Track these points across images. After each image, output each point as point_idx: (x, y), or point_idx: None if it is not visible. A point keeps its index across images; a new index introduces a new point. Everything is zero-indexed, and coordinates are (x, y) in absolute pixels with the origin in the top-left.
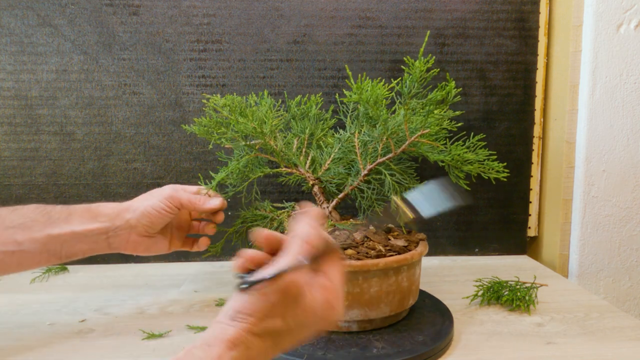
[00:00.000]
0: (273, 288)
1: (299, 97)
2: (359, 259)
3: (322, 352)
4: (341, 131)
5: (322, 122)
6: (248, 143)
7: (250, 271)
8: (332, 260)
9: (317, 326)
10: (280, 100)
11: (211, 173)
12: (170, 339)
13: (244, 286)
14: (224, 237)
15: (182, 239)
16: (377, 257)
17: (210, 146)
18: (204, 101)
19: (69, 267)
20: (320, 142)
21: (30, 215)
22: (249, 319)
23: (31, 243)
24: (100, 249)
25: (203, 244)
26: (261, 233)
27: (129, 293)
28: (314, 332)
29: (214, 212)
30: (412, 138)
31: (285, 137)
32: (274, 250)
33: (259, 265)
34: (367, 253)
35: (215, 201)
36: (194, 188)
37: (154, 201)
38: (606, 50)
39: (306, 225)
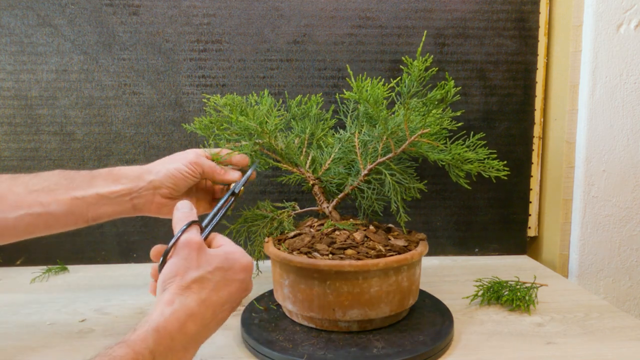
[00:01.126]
0: (177, 250)
1: (300, 96)
2: (359, 258)
3: (322, 352)
4: (341, 131)
5: (323, 122)
6: (248, 143)
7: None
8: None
9: (233, 271)
10: (280, 100)
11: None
12: None
13: (160, 263)
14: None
15: (208, 202)
16: (377, 257)
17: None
18: (205, 101)
19: (69, 267)
20: (321, 142)
21: (53, 179)
22: (174, 278)
23: (57, 205)
24: (125, 212)
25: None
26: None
27: (129, 293)
28: (234, 277)
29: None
30: (412, 138)
31: (286, 136)
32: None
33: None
34: (367, 253)
35: (235, 174)
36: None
37: (178, 164)
38: (606, 50)
39: (175, 213)
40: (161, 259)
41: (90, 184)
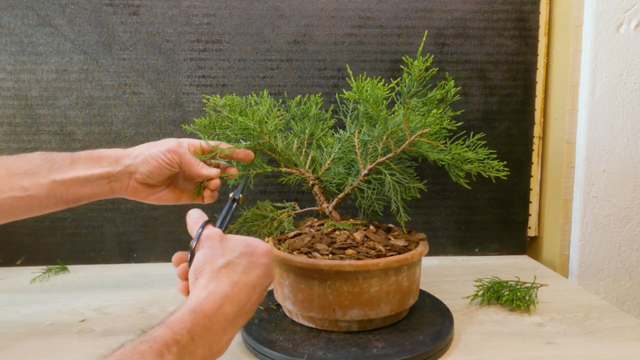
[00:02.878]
0: (201, 244)
1: (299, 97)
2: (359, 258)
3: (322, 351)
4: (341, 131)
5: (322, 122)
6: (248, 143)
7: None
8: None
9: (256, 256)
10: (280, 100)
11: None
12: None
13: (189, 260)
14: None
15: (192, 194)
16: (378, 257)
17: None
18: (204, 101)
19: (69, 267)
20: (320, 142)
21: (35, 162)
22: (204, 266)
23: (38, 188)
24: (104, 194)
25: (208, 196)
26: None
27: (129, 293)
28: (259, 261)
29: (209, 179)
30: (412, 137)
31: (285, 137)
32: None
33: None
34: (367, 253)
35: (211, 171)
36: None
37: (154, 151)
38: (606, 50)
39: (189, 220)
40: (189, 255)
41: (71, 166)
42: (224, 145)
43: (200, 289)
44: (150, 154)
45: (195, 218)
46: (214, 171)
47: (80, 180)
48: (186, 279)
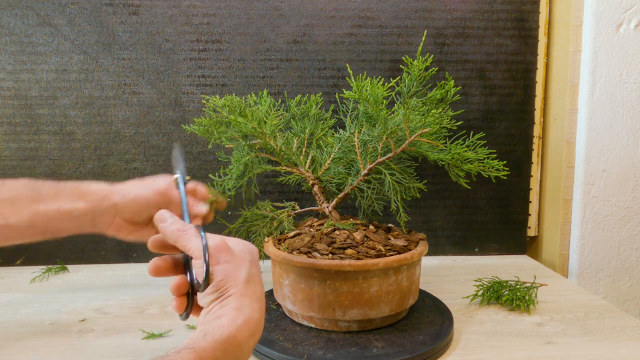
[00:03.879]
0: (214, 258)
1: (299, 96)
2: (359, 258)
3: (322, 352)
4: (341, 131)
5: (322, 122)
6: (248, 143)
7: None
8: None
9: (256, 260)
10: (280, 100)
11: (211, 176)
12: (171, 338)
13: (203, 285)
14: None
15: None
16: (378, 257)
17: (210, 146)
18: (204, 102)
19: (69, 267)
20: (321, 142)
21: (19, 189)
22: (229, 283)
23: (18, 218)
24: (84, 228)
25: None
26: (159, 268)
27: (129, 293)
28: (258, 262)
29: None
30: (412, 137)
31: (285, 137)
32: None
33: (182, 283)
34: (367, 253)
35: (203, 209)
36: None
37: (144, 192)
38: (606, 50)
39: (165, 225)
40: (204, 273)
41: (55, 198)
42: (200, 187)
43: (234, 310)
44: (140, 194)
45: (175, 223)
46: (205, 209)
47: (63, 213)
48: (182, 295)
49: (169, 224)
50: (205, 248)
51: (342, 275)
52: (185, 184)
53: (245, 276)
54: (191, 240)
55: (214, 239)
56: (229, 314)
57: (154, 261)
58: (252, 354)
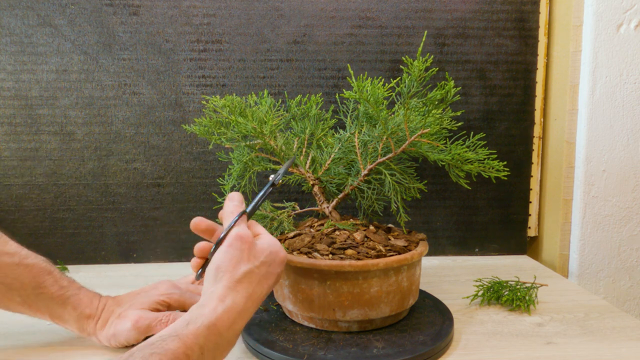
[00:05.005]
0: (231, 241)
1: (299, 96)
2: (359, 259)
3: (322, 352)
4: (341, 131)
5: (322, 122)
6: (248, 143)
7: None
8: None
9: (274, 265)
10: (280, 100)
11: (219, 180)
12: None
13: (212, 251)
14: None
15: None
16: (378, 257)
17: (210, 146)
18: (204, 102)
19: (69, 267)
20: (321, 142)
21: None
22: (227, 269)
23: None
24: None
25: None
26: (199, 225)
27: None
28: (274, 271)
29: None
30: (413, 138)
31: (285, 137)
32: (211, 236)
33: (205, 247)
34: (367, 253)
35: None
36: (189, 279)
37: (148, 301)
38: (606, 50)
39: (227, 203)
40: (213, 246)
41: (62, 304)
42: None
43: (218, 299)
44: (120, 331)
45: (233, 205)
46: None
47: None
48: (203, 257)
49: (230, 202)
50: (229, 228)
51: (342, 275)
52: (274, 184)
53: (245, 270)
54: (229, 221)
55: (243, 229)
56: (211, 303)
57: (200, 219)
58: (235, 341)
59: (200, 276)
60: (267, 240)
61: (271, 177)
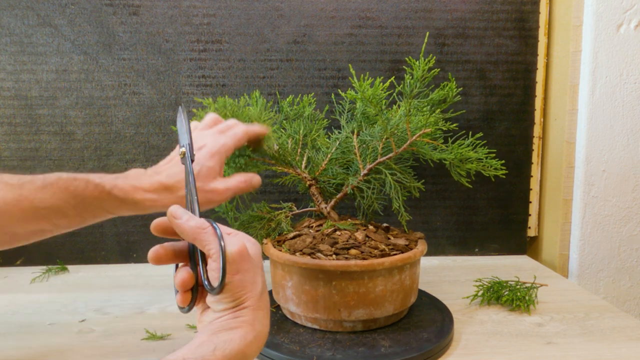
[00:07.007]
0: (237, 266)
1: (291, 97)
2: (364, 258)
3: (330, 352)
4: (336, 131)
5: (317, 122)
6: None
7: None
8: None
9: (262, 268)
10: (278, 100)
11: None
12: (171, 339)
13: (214, 291)
14: None
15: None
16: (382, 256)
17: None
18: (200, 102)
19: (69, 267)
20: (316, 142)
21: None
22: (247, 294)
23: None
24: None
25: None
26: (155, 226)
27: (129, 293)
28: (263, 274)
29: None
30: (414, 137)
31: (279, 137)
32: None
33: (189, 279)
34: (370, 252)
35: (255, 180)
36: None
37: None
38: (606, 50)
39: (184, 222)
40: (220, 278)
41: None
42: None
43: (248, 325)
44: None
45: (189, 219)
46: (256, 180)
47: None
48: (187, 291)
49: (184, 220)
50: (223, 252)
51: (347, 275)
52: (192, 158)
53: (260, 287)
54: (212, 241)
55: (235, 243)
56: (241, 328)
57: (155, 249)
58: None
59: (190, 310)
60: (248, 242)
61: (180, 149)
